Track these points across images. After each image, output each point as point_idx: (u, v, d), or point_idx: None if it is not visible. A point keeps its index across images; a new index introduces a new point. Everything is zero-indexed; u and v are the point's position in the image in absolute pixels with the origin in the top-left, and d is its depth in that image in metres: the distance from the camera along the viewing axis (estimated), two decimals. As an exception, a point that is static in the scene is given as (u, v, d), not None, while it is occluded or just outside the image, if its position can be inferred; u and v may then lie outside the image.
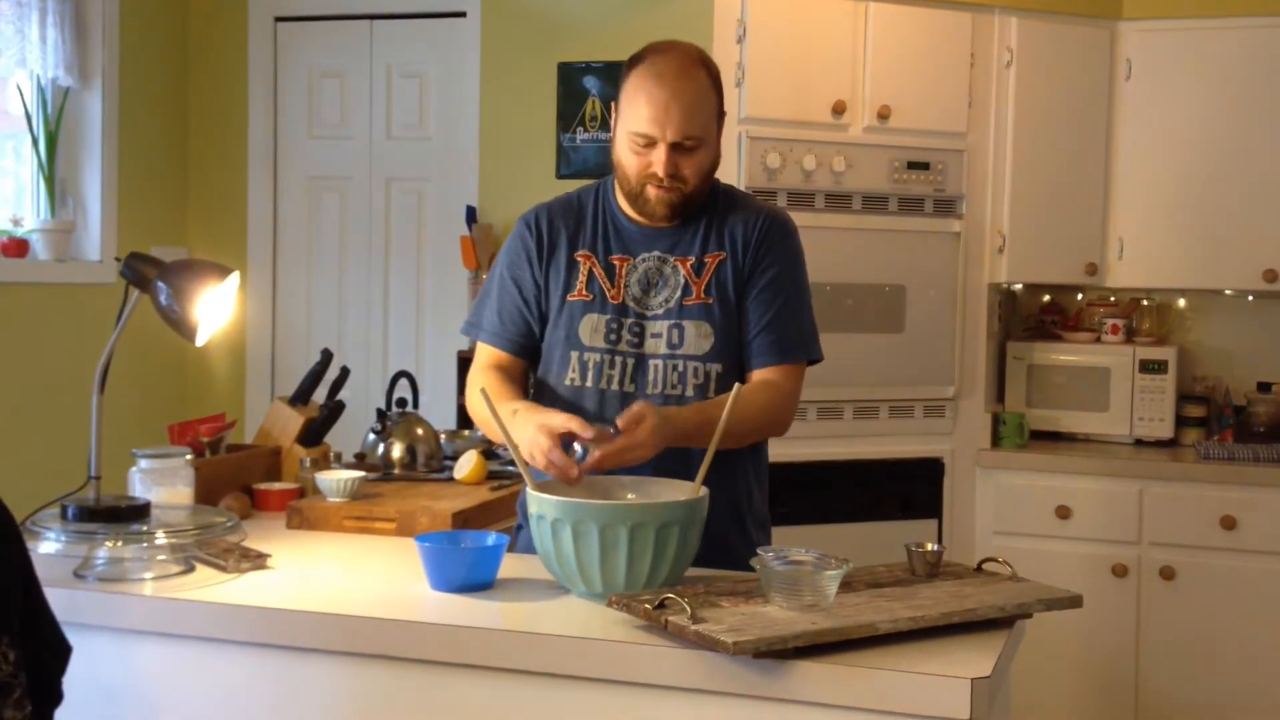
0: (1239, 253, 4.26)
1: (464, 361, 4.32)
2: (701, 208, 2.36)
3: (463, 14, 4.49)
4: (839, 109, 4.03)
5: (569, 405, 2.32)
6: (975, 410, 4.27)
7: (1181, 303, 4.63)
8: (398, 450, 2.97)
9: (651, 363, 2.32)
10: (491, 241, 4.39)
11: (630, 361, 2.32)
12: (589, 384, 2.33)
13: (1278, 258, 4.22)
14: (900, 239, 4.12)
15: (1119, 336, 4.47)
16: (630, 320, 2.33)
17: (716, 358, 2.31)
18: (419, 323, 4.63)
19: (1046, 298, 4.74)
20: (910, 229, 4.13)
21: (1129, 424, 4.38)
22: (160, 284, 2.35)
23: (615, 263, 2.36)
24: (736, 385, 2.13)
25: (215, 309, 2.40)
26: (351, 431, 3.36)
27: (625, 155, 2.30)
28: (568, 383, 2.34)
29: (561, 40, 4.37)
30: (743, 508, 2.39)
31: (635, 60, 2.31)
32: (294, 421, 2.91)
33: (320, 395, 3.03)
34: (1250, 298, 4.50)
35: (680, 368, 2.31)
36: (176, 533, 2.18)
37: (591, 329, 2.33)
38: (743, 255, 2.34)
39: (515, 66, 4.42)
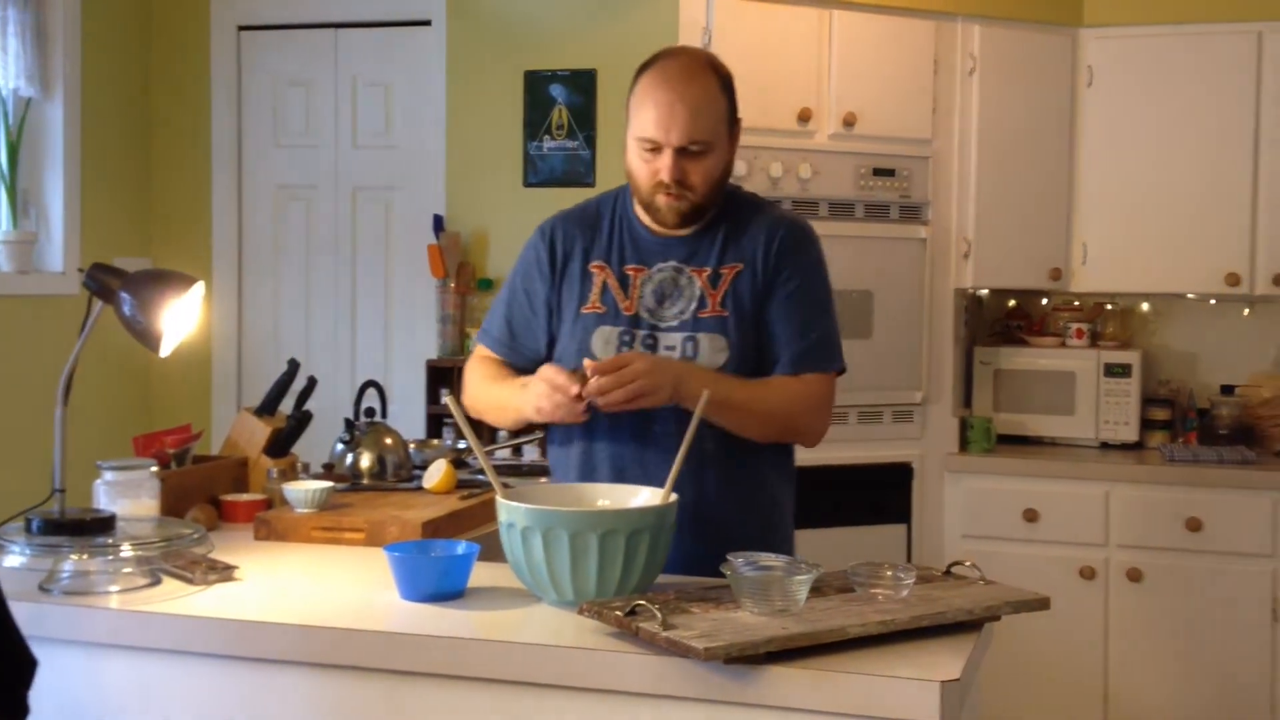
0: (1201, 257, 4.30)
1: (433, 370, 4.31)
2: (719, 216, 2.31)
3: (428, 23, 4.48)
4: (805, 116, 4.05)
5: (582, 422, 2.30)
6: (943, 415, 4.29)
7: (1145, 307, 4.67)
8: (366, 460, 2.95)
9: None
10: (459, 250, 4.38)
11: None
12: None
13: (1239, 261, 4.27)
14: (867, 245, 4.14)
15: (1084, 341, 4.50)
16: (643, 332, 2.28)
17: (731, 371, 2.25)
18: (387, 332, 4.61)
19: (1012, 303, 4.77)
20: (877, 235, 4.15)
21: (1095, 427, 4.41)
22: (124, 295, 2.33)
23: (630, 273, 2.32)
24: (706, 392, 2.13)
25: (180, 319, 2.37)
26: (319, 442, 3.34)
27: (634, 162, 2.26)
28: (582, 395, 2.29)
29: (527, 49, 4.36)
30: (774, 519, 2.37)
31: (644, 66, 2.28)
32: (261, 432, 2.89)
33: (287, 406, 3.02)
34: (1213, 301, 4.54)
35: None
36: (142, 545, 2.15)
37: (604, 342, 2.29)
38: (761, 266, 2.28)
39: (481, 75, 4.41)
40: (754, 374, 2.28)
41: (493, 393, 2.36)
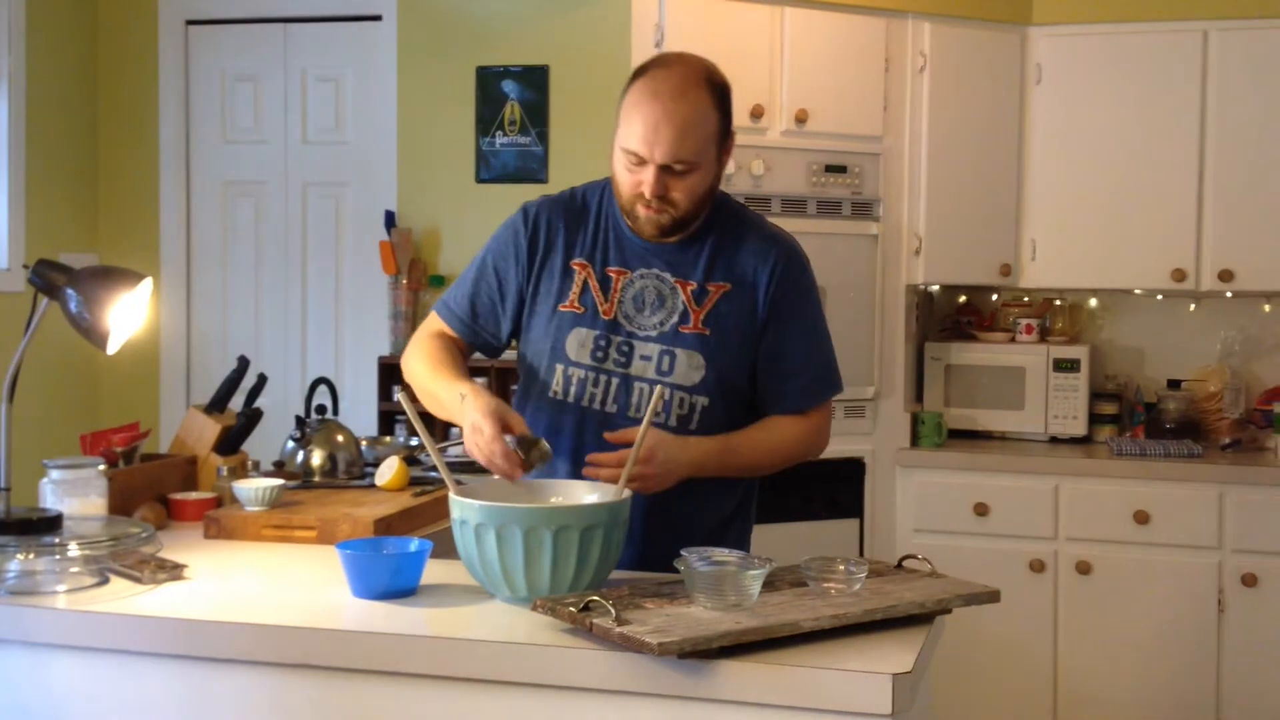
0: (1148, 253, 4.35)
1: (385, 367, 4.29)
2: (707, 227, 2.26)
3: (378, 17, 4.45)
4: (757, 113, 4.06)
5: (549, 419, 2.28)
6: (895, 410, 4.32)
7: (1093, 302, 4.72)
8: (318, 458, 2.93)
9: (637, 385, 2.23)
10: (410, 246, 4.36)
11: (615, 381, 2.24)
12: (570, 399, 2.26)
13: (1185, 258, 4.32)
14: (819, 241, 4.13)
15: (1033, 336, 4.54)
16: (620, 339, 2.24)
17: (705, 391, 2.22)
18: (338, 329, 4.58)
19: (962, 299, 4.80)
20: (829, 231, 4.17)
21: (1044, 422, 4.45)
22: (70, 291, 2.30)
23: (612, 275, 2.26)
24: (659, 389, 2.13)
25: (127, 316, 2.35)
26: (270, 440, 3.32)
27: (619, 170, 2.20)
28: (550, 395, 2.27)
29: (479, 44, 4.35)
30: (739, 512, 2.37)
31: (639, 72, 2.20)
32: (210, 430, 2.86)
33: (237, 403, 2.99)
34: (1159, 297, 4.60)
35: (666, 395, 2.21)
36: (90, 544, 2.13)
37: (579, 344, 2.25)
38: (758, 294, 2.25)
39: (432, 70, 4.40)
40: (728, 394, 2.25)
41: (431, 382, 2.26)
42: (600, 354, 2.24)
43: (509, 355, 2.51)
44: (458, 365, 2.29)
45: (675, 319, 2.24)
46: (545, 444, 2.10)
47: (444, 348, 2.32)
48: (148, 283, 2.36)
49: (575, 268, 2.28)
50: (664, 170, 2.14)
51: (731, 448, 2.22)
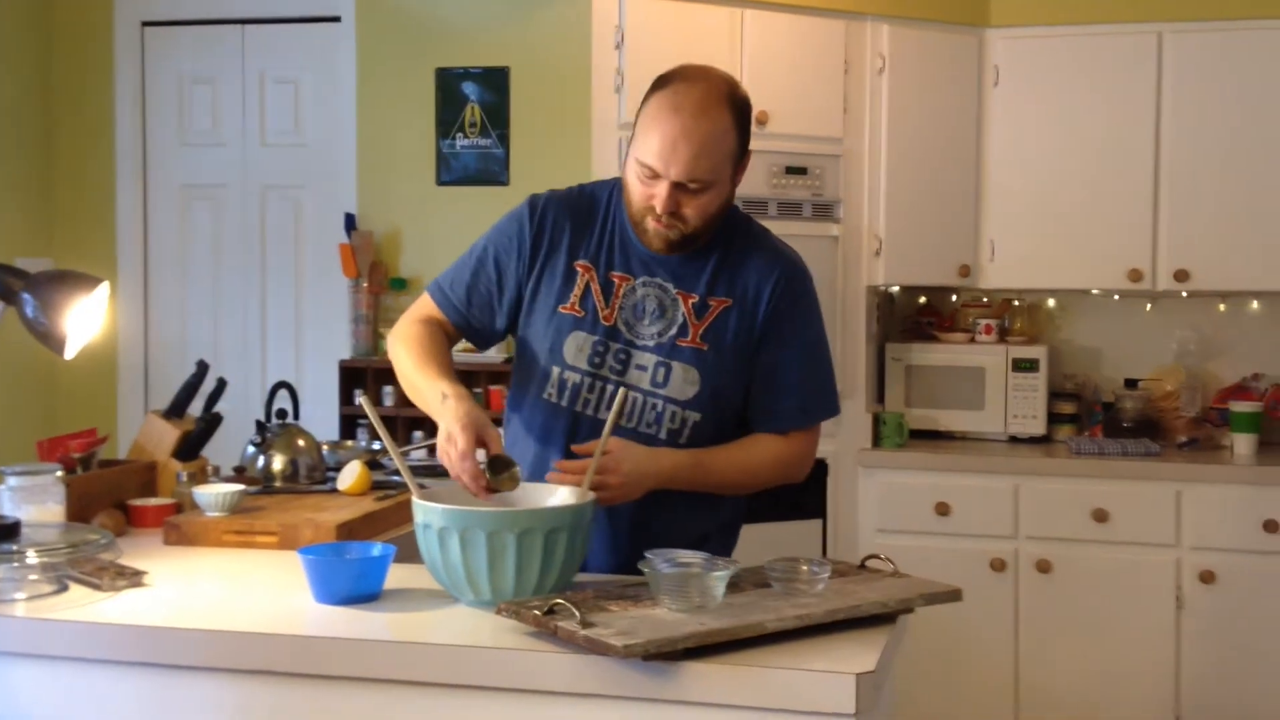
0: (1105, 253, 4.39)
1: (345, 371, 4.27)
2: (714, 242, 2.22)
3: (337, 19, 4.43)
4: (718, 115, 4.05)
5: (542, 421, 2.25)
6: (856, 411, 4.33)
7: (1051, 302, 4.75)
8: (279, 462, 2.91)
9: (631, 395, 2.20)
10: (371, 249, 4.34)
11: (610, 388, 2.20)
12: (564, 404, 2.23)
13: (1142, 258, 4.36)
14: (780, 243, 4.15)
15: (992, 336, 4.57)
16: (618, 346, 2.21)
17: (698, 406, 2.20)
18: (298, 332, 4.55)
19: (922, 299, 4.83)
20: (789, 233, 4.08)
21: (1004, 422, 4.48)
22: (26, 296, 2.28)
23: (615, 280, 2.22)
24: (623, 391, 2.12)
25: (85, 321, 2.33)
26: (231, 445, 3.29)
27: (631, 180, 2.15)
28: (544, 397, 2.24)
29: (438, 46, 4.33)
30: (722, 520, 2.34)
31: (661, 82, 2.15)
32: (169, 435, 2.84)
33: (197, 408, 2.96)
34: (1116, 297, 4.64)
35: (659, 407, 2.19)
36: (48, 551, 2.11)
37: (577, 348, 2.21)
38: (758, 310, 2.21)
39: (392, 72, 4.38)
40: (722, 410, 2.23)
41: (415, 373, 2.20)
42: (597, 360, 2.21)
43: (491, 355, 2.48)
44: (445, 358, 2.23)
45: (674, 331, 2.21)
46: (518, 470, 2.06)
47: (433, 336, 2.26)
48: (105, 287, 2.34)
49: (579, 269, 2.24)
50: (677, 187, 2.10)
51: (703, 463, 2.19)
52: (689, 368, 2.20)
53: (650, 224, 2.15)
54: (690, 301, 2.21)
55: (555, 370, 2.23)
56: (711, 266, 2.22)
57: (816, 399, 2.28)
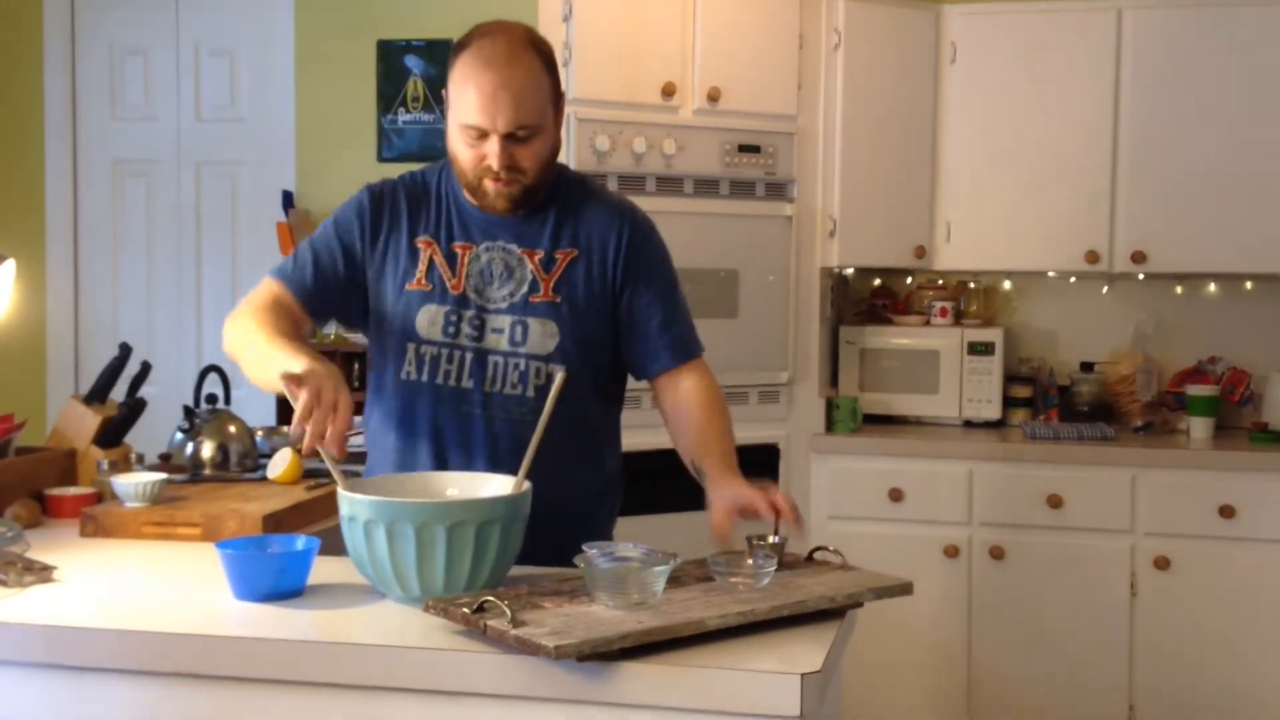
0: (1061, 235, 4.34)
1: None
2: (549, 197, 2.26)
3: (276, -11, 4.31)
4: (669, 91, 3.96)
5: (403, 404, 2.24)
6: (809, 395, 4.26)
7: (1007, 285, 4.70)
8: (208, 449, 2.80)
9: (491, 359, 2.22)
10: (310, 228, 4.22)
11: (469, 356, 2.22)
12: (424, 378, 2.23)
13: (1099, 240, 4.31)
14: (733, 223, 4.07)
15: (948, 319, 4.51)
16: (470, 313, 2.22)
17: (561, 359, 2.21)
18: (234, 314, 4.44)
19: (877, 281, 4.76)
20: (742, 213, 4.09)
21: (958, 406, 4.43)
22: (-72, 274, 2.16)
23: (457, 250, 2.24)
24: (562, 372, 2.06)
25: (-9, 300, 2.21)
26: (162, 431, 3.18)
27: (458, 148, 2.17)
28: (403, 377, 2.24)
29: (380, 17, 4.22)
30: (607, 490, 2.38)
31: (461, 45, 2.17)
32: (90, 421, 2.72)
33: (120, 393, 2.85)
34: (1073, 279, 4.59)
35: (522, 366, 2.21)
36: (-51, 546, 2.00)
37: (429, 321, 2.22)
38: (608, 262, 2.25)
39: (332, 44, 4.26)
40: (590, 362, 2.25)
41: (266, 345, 2.10)
42: (452, 329, 2.22)
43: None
44: (296, 331, 2.18)
45: (525, 289, 2.23)
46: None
47: (280, 313, 2.20)
48: (10, 264, 2.22)
49: (420, 245, 2.25)
50: (508, 139, 2.13)
51: (727, 451, 2.24)
52: (545, 321, 2.22)
53: (489, 185, 2.17)
54: (536, 258, 2.24)
55: (411, 347, 2.23)
56: (552, 220, 2.26)
57: (689, 334, 2.33)
